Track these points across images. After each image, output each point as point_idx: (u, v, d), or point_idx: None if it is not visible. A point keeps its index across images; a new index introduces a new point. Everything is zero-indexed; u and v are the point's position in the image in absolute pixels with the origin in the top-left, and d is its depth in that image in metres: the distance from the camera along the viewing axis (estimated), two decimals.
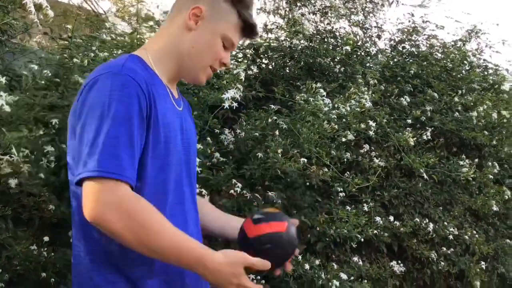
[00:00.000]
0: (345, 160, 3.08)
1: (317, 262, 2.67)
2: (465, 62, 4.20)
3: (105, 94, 1.13)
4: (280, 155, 2.63)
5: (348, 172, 3.11)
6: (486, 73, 4.33)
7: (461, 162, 3.48)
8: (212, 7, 1.30)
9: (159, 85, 1.27)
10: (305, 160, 2.73)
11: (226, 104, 2.48)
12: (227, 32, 1.31)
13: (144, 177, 1.19)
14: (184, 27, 1.30)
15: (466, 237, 3.51)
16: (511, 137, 4.05)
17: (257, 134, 2.78)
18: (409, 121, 3.48)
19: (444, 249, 3.42)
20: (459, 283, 3.70)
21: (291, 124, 2.80)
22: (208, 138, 2.73)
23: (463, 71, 4.18)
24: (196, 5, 1.29)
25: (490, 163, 3.70)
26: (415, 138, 3.16)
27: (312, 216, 2.89)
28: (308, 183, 2.87)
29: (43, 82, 2.20)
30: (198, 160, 2.28)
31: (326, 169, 2.90)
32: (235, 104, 2.55)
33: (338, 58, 3.65)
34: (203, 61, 1.32)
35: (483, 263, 3.56)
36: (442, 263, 3.41)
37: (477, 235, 3.58)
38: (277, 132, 2.79)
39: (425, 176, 3.38)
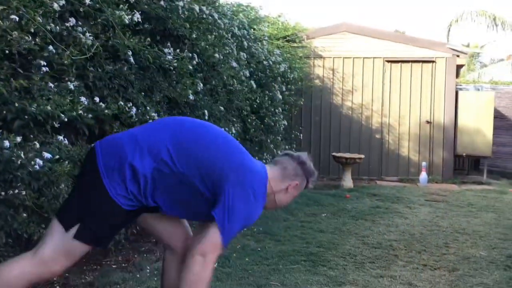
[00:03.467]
0: (50, 31, 2.74)
1: (19, 139, 2.36)
2: None
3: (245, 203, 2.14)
4: None
5: (52, 46, 2.79)
6: None
7: (166, 50, 3.54)
8: None
9: None
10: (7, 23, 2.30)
11: None
12: None
13: None
14: None
15: None
16: (207, 32, 4.32)
17: None
18: None
19: None
20: None
21: None
22: None
23: None
24: None
25: (190, 55, 3.87)
26: (129, 17, 3.03)
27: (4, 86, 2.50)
28: (7, 51, 2.46)
29: None
30: None
31: (29, 38, 2.54)
32: None
33: None
34: None
35: None
36: None
37: None
38: None
39: (132, 60, 3.32)
